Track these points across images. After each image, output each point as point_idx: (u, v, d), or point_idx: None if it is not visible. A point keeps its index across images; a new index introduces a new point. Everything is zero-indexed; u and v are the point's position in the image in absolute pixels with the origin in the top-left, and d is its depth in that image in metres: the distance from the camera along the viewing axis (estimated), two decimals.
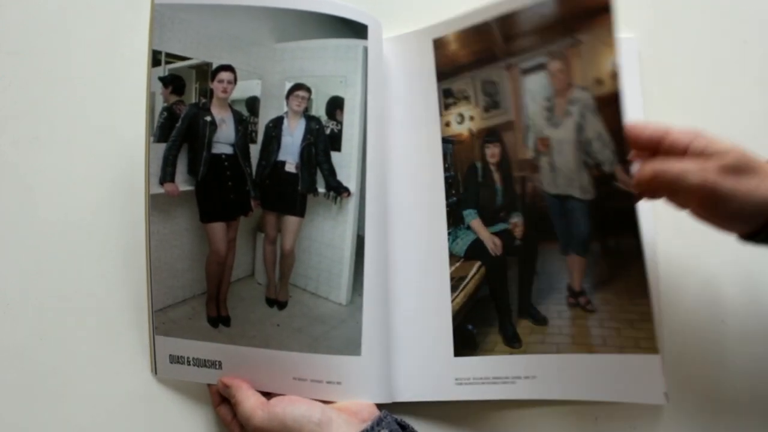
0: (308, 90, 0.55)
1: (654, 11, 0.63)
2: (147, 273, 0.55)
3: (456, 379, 0.56)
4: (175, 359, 0.55)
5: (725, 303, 0.58)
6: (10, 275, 0.58)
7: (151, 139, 0.55)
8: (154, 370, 0.56)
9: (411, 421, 0.52)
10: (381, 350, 0.54)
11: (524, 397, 0.54)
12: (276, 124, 0.55)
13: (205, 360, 0.55)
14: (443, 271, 0.58)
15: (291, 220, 0.56)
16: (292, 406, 0.49)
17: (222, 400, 0.54)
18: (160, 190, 0.55)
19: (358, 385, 0.52)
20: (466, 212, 0.58)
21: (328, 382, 0.53)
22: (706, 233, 0.59)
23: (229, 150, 0.55)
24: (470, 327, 0.57)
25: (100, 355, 0.57)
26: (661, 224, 0.59)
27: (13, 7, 0.62)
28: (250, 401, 0.50)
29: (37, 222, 0.59)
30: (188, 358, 0.55)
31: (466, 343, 0.56)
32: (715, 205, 0.47)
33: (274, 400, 0.50)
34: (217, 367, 0.55)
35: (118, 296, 0.58)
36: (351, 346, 0.53)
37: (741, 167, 0.46)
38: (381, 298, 0.55)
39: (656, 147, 0.49)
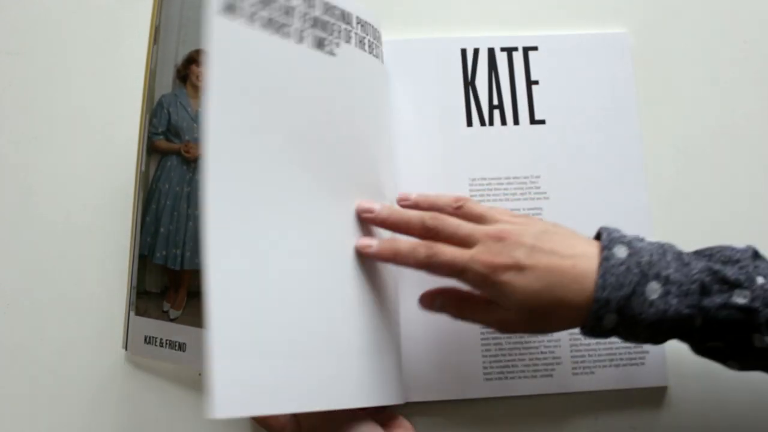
0: None
1: (647, 3, 0.62)
2: (130, 252, 0.56)
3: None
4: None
5: None
6: (10, 275, 0.58)
7: (144, 135, 0.54)
8: (125, 346, 0.56)
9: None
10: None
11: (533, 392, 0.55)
12: None
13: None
14: None
15: None
16: None
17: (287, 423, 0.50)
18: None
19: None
20: None
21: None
22: (707, 233, 0.59)
23: None
24: None
25: (101, 355, 0.57)
26: (660, 224, 0.59)
27: (13, 7, 0.62)
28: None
29: (37, 222, 0.59)
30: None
31: None
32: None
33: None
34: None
35: (119, 296, 0.58)
36: None
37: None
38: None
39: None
